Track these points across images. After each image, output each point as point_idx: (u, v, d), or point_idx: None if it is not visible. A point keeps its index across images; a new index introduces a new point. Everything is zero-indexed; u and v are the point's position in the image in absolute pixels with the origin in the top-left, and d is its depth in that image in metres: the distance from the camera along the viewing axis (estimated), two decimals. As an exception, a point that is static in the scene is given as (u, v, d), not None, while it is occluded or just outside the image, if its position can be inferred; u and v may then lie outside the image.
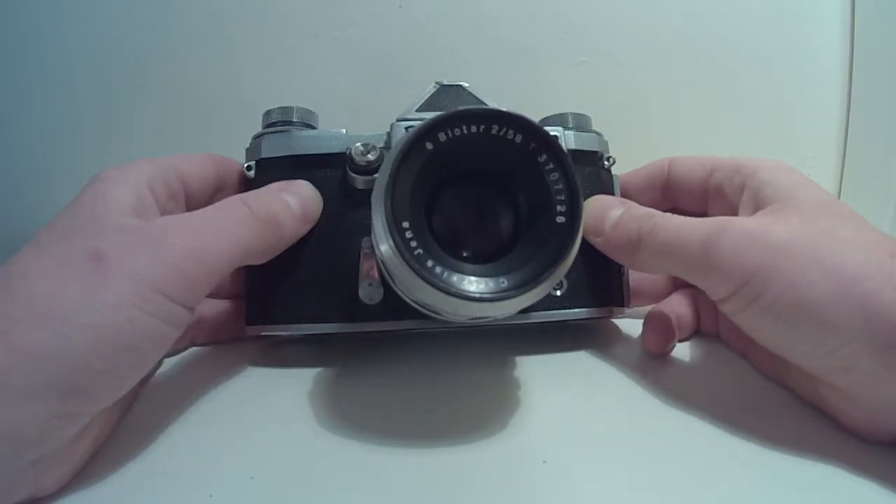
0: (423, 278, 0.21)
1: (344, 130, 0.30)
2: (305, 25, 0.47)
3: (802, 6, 0.48)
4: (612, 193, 0.33)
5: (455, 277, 0.21)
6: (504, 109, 0.22)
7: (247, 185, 0.30)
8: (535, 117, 0.29)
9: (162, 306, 0.21)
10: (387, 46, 0.47)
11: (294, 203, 0.27)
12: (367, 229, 0.26)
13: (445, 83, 0.30)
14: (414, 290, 0.21)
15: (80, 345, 0.19)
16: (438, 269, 0.21)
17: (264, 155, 0.30)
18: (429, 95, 0.30)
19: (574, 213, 0.22)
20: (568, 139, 0.32)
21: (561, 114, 0.34)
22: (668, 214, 0.26)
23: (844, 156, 0.50)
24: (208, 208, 0.25)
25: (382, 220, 0.21)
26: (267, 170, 0.30)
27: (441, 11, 0.47)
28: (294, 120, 0.31)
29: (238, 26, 0.47)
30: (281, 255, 0.28)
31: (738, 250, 0.23)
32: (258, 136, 0.31)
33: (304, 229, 0.28)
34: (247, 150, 0.32)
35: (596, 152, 0.33)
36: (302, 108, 0.32)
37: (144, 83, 0.47)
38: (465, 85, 0.30)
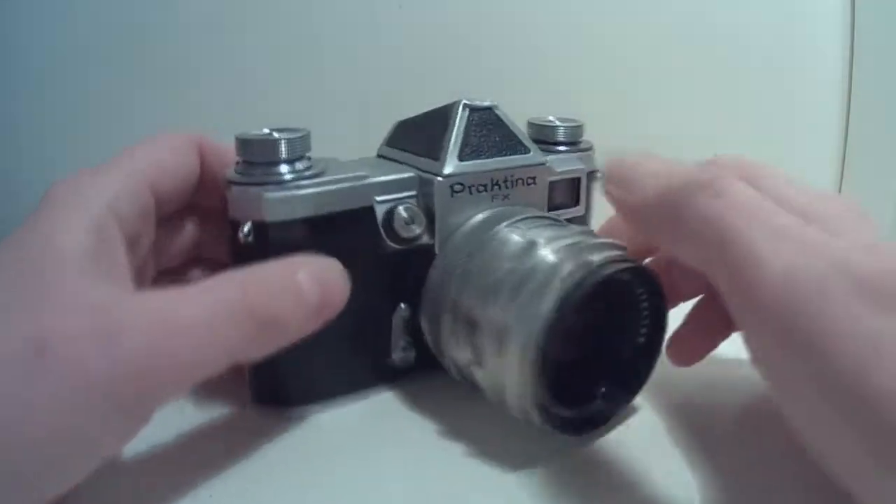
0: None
1: (364, 174, 0.24)
2: (305, 25, 0.47)
3: (802, 6, 0.48)
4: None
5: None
6: (641, 266, 0.23)
7: (239, 250, 0.23)
8: (532, 113, 0.29)
9: (109, 415, 0.17)
10: (387, 46, 0.47)
11: (312, 293, 0.20)
12: (399, 293, 0.26)
13: (473, 105, 0.26)
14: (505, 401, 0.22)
15: (10, 445, 0.16)
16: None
17: (269, 218, 0.23)
18: (462, 125, 0.25)
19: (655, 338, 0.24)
20: (560, 163, 0.28)
21: (553, 126, 0.30)
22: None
23: (844, 156, 0.50)
24: (189, 290, 0.18)
25: (526, 360, 0.20)
26: (272, 236, 0.23)
27: (441, 11, 0.47)
28: (284, 157, 0.23)
29: (237, 26, 0.47)
30: None
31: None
32: (246, 183, 0.23)
33: (317, 326, 0.21)
34: (230, 195, 0.24)
35: (594, 173, 0.30)
36: (293, 137, 0.24)
37: (140, 77, 0.47)
38: (494, 107, 0.27)
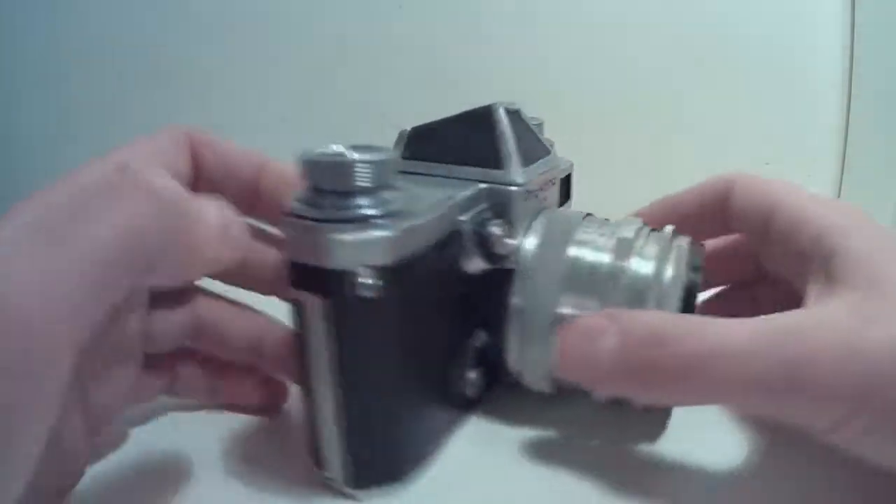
0: None
1: (448, 195, 0.22)
2: (305, 25, 0.47)
3: (802, 6, 0.48)
4: None
5: None
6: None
7: (363, 308, 0.19)
8: (536, 114, 0.29)
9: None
10: (387, 46, 0.47)
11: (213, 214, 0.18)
12: (475, 319, 0.24)
13: (509, 108, 0.24)
14: None
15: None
16: None
17: (387, 261, 0.18)
18: (510, 130, 0.24)
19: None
20: (563, 162, 0.27)
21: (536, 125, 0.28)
22: (697, 320, 0.19)
23: (844, 156, 0.50)
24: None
25: None
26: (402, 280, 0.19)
27: (442, 11, 0.47)
28: (370, 184, 0.19)
29: (237, 27, 0.47)
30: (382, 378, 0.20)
31: (836, 369, 0.17)
32: (326, 221, 0.18)
33: (223, 253, 0.19)
34: (293, 230, 0.19)
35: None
36: (379, 160, 0.19)
37: (143, 80, 0.47)
38: (520, 109, 0.26)
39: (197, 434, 0.24)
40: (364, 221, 0.18)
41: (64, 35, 0.47)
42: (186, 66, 0.47)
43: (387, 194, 0.19)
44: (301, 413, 0.21)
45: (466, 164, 0.24)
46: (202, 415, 0.26)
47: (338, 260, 0.18)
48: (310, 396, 0.20)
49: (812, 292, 0.20)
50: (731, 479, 0.22)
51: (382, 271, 0.18)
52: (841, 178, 0.50)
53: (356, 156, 0.18)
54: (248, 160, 0.23)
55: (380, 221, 0.18)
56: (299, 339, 0.20)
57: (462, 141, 0.24)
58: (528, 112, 0.27)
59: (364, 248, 0.18)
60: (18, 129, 0.49)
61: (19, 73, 0.47)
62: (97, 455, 0.22)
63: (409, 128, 0.25)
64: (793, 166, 0.49)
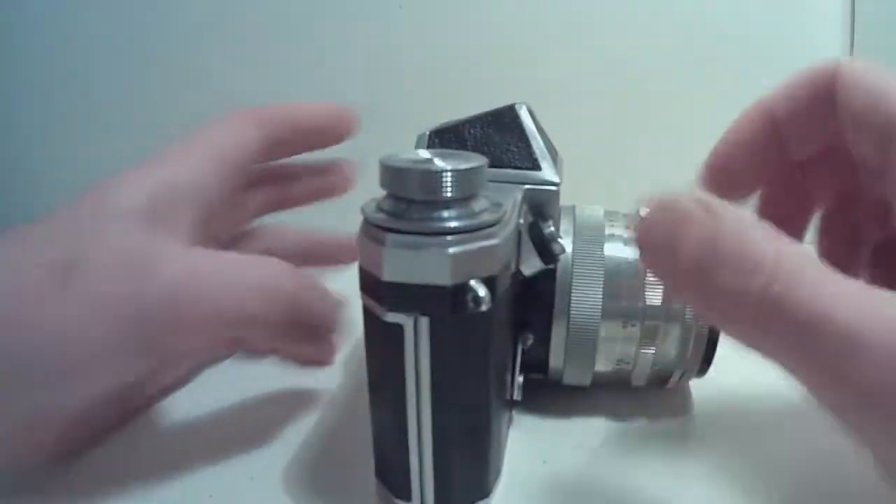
0: None
1: (511, 202, 0.20)
2: (305, 25, 0.47)
3: (802, 6, 0.48)
4: None
5: None
6: None
7: (470, 323, 0.18)
8: (538, 114, 0.29)
9: (129, 344, 0.18)
10: (387, 46, 0.47)
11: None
12: (523, 322, 0.23)
13: (528, 108, 0.25)
14: None
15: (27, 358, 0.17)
16: None
17: (452, 280, 0.17)
18: (536, 130, 0.24)
19: None
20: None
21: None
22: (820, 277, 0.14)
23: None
24: (235, 254, 0.21)
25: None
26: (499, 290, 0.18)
27: (442, 11, 0.47)
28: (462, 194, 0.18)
29: (237, 26, 0.47)
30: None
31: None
32: (409, 232, 0.17)
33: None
34: (368, 240, 0.17)
35: None
36: (470, 168, 0.17)
37: (148, 85, 0.47)
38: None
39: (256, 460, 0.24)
40: (468, 232, 0.17)
41: (64, 34, 0.47)
42: (187, 67, 0.47)
43: (474, 203, 0.18)
44: (365, 439, 0.20)
45: (501, 166, 0.23)
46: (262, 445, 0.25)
47: (453, 275, 0.17)
48: (397, 424, 0.19)
49: None
50: (755, 466, 0.22)
51: (490, 282, 0.17)
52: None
53: (441, 163, 0.17)
54: (315, 112, 0.27)
55: (487, 230, 0.17)
56: (387, 364, 0.18)
57: (490, 142, 0.24)
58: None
59: (478, 259, 0.17)
60: (18, 128, 0.49)
61: (19, 72, 0.47)
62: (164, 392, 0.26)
63: (427, 130, 0.25)
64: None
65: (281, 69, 0.47)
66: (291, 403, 0.27)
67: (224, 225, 0.28)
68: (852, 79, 0.19)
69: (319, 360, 0.26)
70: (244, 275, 0.20)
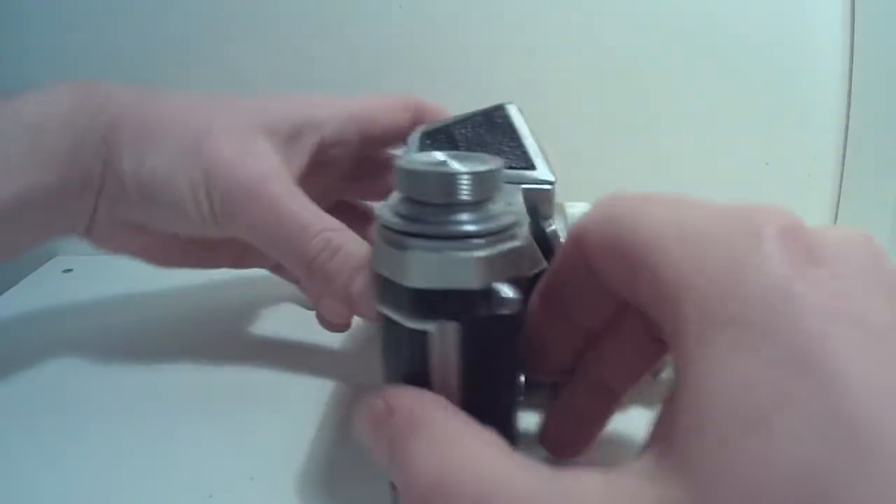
0: None
1: (519, 202, 0.20)
2: (305, 26, 0.47)
3: (802, 6, 0.48)
4: None
5: None
6: None
7: (497, 325, 0.17)
8: (533, 114, 0.29)
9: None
10: (387, 46, 0.47)
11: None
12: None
13: (513, 105, 0.25)
14: None
15: None
16: None
17: (520, 272, 0.18)
18: (525, 126, 0.24)
19: None
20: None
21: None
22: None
23: (844, 156, 0.50)
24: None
25: None
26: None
27: (442, 11, 0.47)
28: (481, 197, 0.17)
29: (236, 26, 0.47)
30: None
31: None
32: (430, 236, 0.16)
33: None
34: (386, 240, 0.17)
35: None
36: (488, 170, 0.17)
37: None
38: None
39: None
40: (492, 235, 0.17)
41: (65, 33, 0.47)
42: (187, 67, 0.47)
43: (491, 205, 0.17)
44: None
45: None
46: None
47: (481, 278, 0.16)
48: None
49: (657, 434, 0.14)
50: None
51: (516, 283, 0.17)
52: (841, 178, 0.50)
53: (465, 167, 0.17)
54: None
55: (510, 232, 0.17)
56: (411, 371, 0.18)
57: (482, 142, 0.24)
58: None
59: (503, 261, 0.17)
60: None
61: (20, 72, 0.47)
62: None
63: (418, 131, 0.25)
64: (793, 166, 0.49)
65: (281, 69, 0.47)
66: (293, 403, 0.27)
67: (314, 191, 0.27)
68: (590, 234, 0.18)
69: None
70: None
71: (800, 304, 0.12)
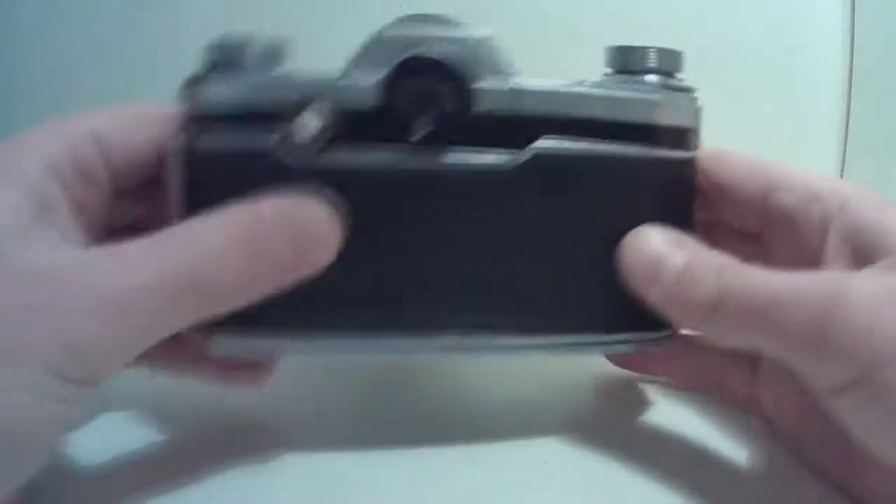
0: None
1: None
2: (305, 27, 0.47)
3: (802, 6, 0.48)
4: (691, 210, 0.23)
5: None
6: None
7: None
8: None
9: (58, 389, 0.16)
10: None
11: (279, 251, 0.18)
12: None
13: None
14: None
15: None
16: None
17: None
18: None
19: None
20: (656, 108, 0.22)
21: (644, 48, 0.24)
22: (754, 268, 0.19)
23: (844, 156, 0.50)
24: (129, 253, 0.17)
25: None
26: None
27: (442, 12, 0.47)
28: None
29: (235, 26, 0.47)
30: None
31: (869, 326, 0.16)
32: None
33: (290, 282, 0.19)
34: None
35: (687, 130, 0.24)
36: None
37: (149, 85, 0.47)
38: None
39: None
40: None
41: (65, 33, 0.47)
42: (187, 67, 0.47)
43: None
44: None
45: None
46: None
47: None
48: None
49: (834, 263, 0.20)
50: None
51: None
52: (841, 178, 0.50)
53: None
54: None
55: None
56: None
57: None
58: None
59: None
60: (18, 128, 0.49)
61: (19, 72, 0.47)
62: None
63: None
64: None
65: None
66: (295, 403, 0.27)
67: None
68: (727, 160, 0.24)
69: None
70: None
71: None
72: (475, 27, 0.20)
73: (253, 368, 0.24)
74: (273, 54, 0.21)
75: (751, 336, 0.19)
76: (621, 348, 0.22)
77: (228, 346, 0.20)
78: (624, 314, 0.21)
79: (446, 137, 0.19)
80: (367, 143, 0.19)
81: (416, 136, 0.19)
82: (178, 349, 0.22)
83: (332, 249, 0.18)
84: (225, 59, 0.20)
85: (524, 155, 0.19)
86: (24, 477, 0.17)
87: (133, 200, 0.22)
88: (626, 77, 0.22)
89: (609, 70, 0.23)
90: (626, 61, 0.23)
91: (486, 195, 0.19)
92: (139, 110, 0.21)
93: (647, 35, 0.48)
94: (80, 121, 0.20)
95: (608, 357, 0.26)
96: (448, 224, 0.19)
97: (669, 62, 0.24)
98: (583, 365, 0.28)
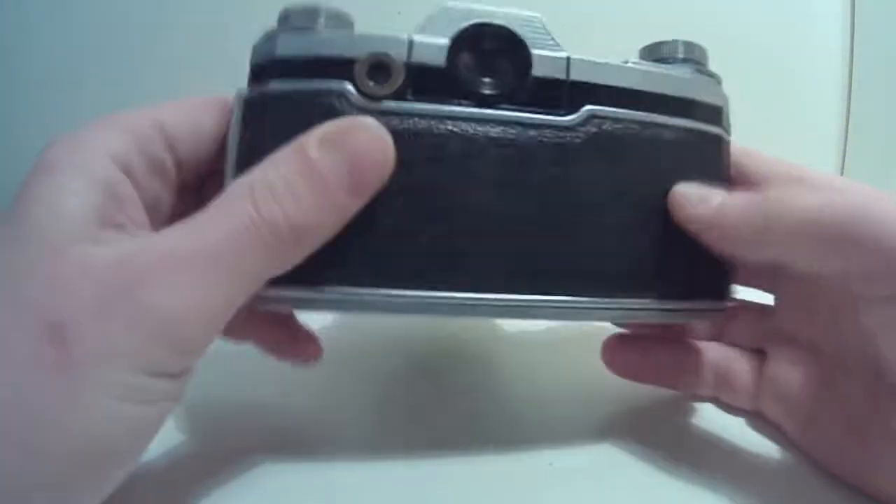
0: None
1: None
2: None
3: (802, 6, 0.48)
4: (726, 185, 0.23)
5: None
6: None
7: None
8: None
9: (149, 387, 0.16)
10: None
11: (336, 174, 0.17)
12: None
13: None
14: None
15: (49, 466, 0.15)
16: None
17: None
18: None
19: None
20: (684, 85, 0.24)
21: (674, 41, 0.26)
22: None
23: (844, 156, 0.50)
24: (197, 220, 0.17)
25: None
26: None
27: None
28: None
29: (236, 28, 0.47)
30: None
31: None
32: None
33: (356, 208, 0.18)
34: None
35: (720, 109, 0.26)
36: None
37: (149, 86, 0.47)
38: None
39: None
40: None
41: (64, 33, 0.47)
42: (188, 68, 0.47)
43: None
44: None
45: None
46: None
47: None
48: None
49: None
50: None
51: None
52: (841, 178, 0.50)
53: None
54: None
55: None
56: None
57: None
58: None
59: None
60: (19, 128, 0.49)
61: (19, 71, 0.48)
62: None
63: None
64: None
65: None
66: (297, 402, 0.27)
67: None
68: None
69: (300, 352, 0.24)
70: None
71: None
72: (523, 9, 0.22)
73: (304, 343, 0.24)
74: (341, 20, 0.21)
75: (795, 249, 0.19)
76: (677, 317, 0.22)
77: (278, 299, 0.19)
78: (679, 282, 0.22)
79: (506, 98, 0.20)
80: (431, 98, 0.20)
81: (479, 95, 0.20)
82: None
83: (386, 166, 0.18)
84: (297, 20, 0.21)
85: (581, 115, 0.21)
86: (111, 490, 0.16)
87: (195, 197, 0.22)
88: (660, 63, 0.24)
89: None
90: (660, 51, 0.24)
91: (544, 151, 0.20)
92: (200, 101, 0.21)
93: (647, 35, 0.48)
94: (144, 113, 0.19)
95: (612, 369, 0.25)
96: (509, 180, 0.20)
97: (697, 53, 0.25)
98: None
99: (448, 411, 0.26)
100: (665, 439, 0.24)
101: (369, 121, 0.18)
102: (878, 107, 0.48)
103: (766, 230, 0.19)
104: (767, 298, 0.25)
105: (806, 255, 0.19)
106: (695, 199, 0.21)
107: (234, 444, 0.23)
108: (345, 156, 0.17)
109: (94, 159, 0.17)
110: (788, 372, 0.23)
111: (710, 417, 0.25)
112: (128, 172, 0.18)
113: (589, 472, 0.22)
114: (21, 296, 0.15)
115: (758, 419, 0.25)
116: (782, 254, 0.20)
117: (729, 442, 0.24)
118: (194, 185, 0.22)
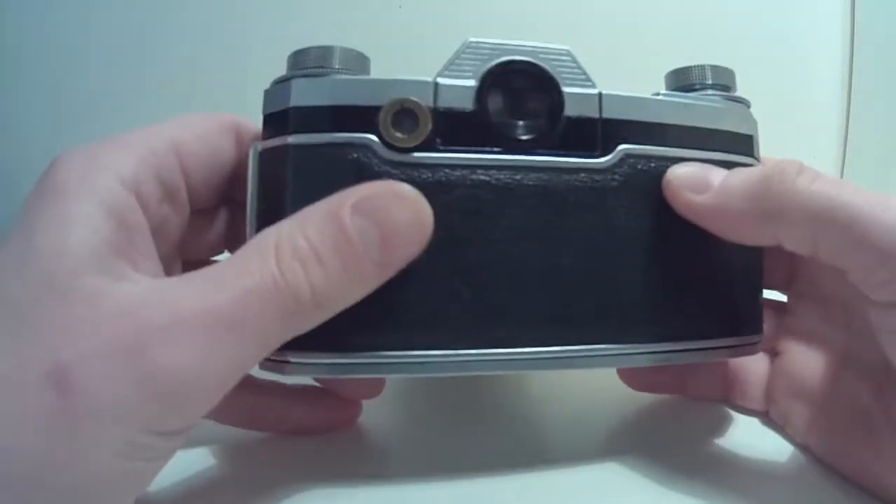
0: None
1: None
2: (305, 27, 0.47)
3: (802, 6, 0.48)
4: None
5: None
6: None
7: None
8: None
9: (149, 446, 0.15)
10: (387, 47, 0.47)
11: (368, 244, 0.16)
12: None
13: None
14: None
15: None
16: None
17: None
18: None
19: None
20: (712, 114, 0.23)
21: (702, 66, 0.26)
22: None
23: (844, 156, 0.50)
24: (215, 272, 0.16)
25: None
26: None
27: (442, 12, 0.47)
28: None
29: (236, 27, 0.47)
30: None
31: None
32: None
33: (383, 279, 0.17)
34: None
35: (751, 137, 0.24)
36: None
37: (150, 86, 0.47)
38: None
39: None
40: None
41: (65, 33, 0.47)
42: (189, 67, 0.47)
43: None
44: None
45: None
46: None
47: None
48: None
49: None
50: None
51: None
52: (840, 178, 0.50)
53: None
54: None
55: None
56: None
57: None
58: None
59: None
60: (18, 128, 0.49)
61: (19, 71, 0.47)
62: None
63: None
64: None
65: (279, 72, 0.47)
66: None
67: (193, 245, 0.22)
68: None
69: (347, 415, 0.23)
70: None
71: None
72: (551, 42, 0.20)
73: (343, 406, 0.23)
74: (357, 62, 0.20)
75: (812, 236, 0.19)
76: (720, 354, 0.21)
77: (310, 368, 0.18)
78: (722, 319, 0.21)
79: (539, 141, 0.19)
80: (461, 145, 0.19)
81: (510, 139, 0.19)
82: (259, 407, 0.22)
83: (422, 241, 0.17)
84: (310, 63, 0.20)
85: (615, 156, 0.20)
86: None
87: (204, 223, 0.21)
88: (688, 90, 0.23)
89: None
90: (688, 77, 0.24)
91: (581, 196, 0.19)
92: (216, 123, 0.20)
93: (646, 35, 0.48)
94: (161, 133, 0.18)
95: (626, 380, 0.25)
96: (547, 228, 0.19)
97: (725, 77, 0.25)
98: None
99: (479, 429, 0.25)
100: (681, 448, 0.24)
101: (407, 190, 0.17)
102: (878, 107, 0.48)
103: (783, 211, 0.18)
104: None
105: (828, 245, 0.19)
106: (691, 182, 0.19)
107: (268, 466, 0.23)
108: (380, 229, 0.16)
109: (106, 184, 0.16)
110: (802, 366, 0.23)
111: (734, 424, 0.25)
112: (139, 198, 0.17)
113: (607, 483, 0.21)
114: (25, 334, 0.14)
115: (769, 422, 0.25)
116: (782, 229, 0.19)
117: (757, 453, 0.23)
118: (206, 207, 0.21)
